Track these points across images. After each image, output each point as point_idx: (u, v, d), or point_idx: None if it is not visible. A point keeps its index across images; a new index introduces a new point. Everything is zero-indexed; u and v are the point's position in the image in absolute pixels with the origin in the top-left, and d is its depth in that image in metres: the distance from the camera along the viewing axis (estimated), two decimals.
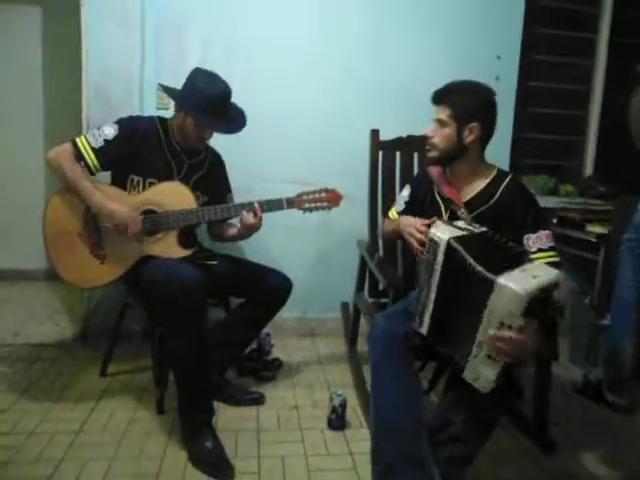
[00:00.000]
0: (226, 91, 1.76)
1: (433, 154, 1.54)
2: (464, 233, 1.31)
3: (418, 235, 1.47)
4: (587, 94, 2.82)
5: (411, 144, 2.15)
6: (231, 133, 1.82)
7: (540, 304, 1.16)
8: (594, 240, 2.15)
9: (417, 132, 2.07)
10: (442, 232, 1.29)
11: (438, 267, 1.27)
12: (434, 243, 1.28)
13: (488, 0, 2.48)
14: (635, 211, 1.90)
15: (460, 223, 1.41)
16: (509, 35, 2.54)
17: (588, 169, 2.84)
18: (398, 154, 2.19)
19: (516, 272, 1.18)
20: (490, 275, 1.15)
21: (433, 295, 1.29)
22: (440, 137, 1.51)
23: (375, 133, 2.17)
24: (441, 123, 1.50)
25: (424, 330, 1.33)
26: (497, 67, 2.52)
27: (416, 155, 2.19)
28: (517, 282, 1.13)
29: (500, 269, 1.17)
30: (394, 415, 1.30)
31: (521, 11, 2.53)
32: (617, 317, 1.99)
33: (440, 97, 1.51)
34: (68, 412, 1.77)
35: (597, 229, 2.16)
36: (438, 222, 1.41)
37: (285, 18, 2.37)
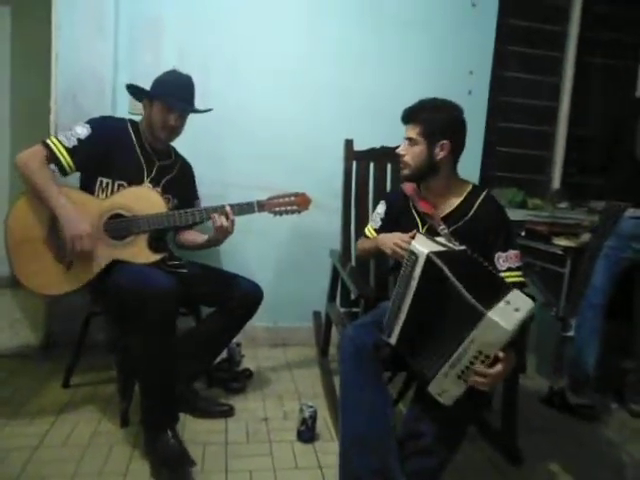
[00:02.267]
0: (183, 77, 1.80)
1: (406, 172, 1.56)
2: (444, 249, 1.31)
3: (399, 251, 1.43)
4: (555, 110, 2.90)
5: (385, 155, 2.16)
6: (194, 112, 1.84)
7: (518, 333, 1.18)
8: (560, 253, 2.20)
9: (391, 144, 2.10)
10: (422, 245, 1.28)
11: (414, 281, 1.26)
12: (413, 255, 1.27)
13: (462, 18, 2.55)
14: (621, 219, 1.97)
15: (440, 239, 1.41)
16: (481, 51, 2.60)
17: (555, 182, 2.92)
18: (372, 165, 2.21)
19: (502, 304, 1.18)
20: (480, 307, 1.14)
21: (406, 307, 1.29)
22: (411, 155, 1.52)
23: (349, 143, 2.18)
24: (411, 141, 1.52)
25: (393, 340, 1.33)
26: (469, 82, 2.58)
27: (389, 166, 2.21)
28: (504, 318, 1.13)
29: (486, 298, 1.16)
30: (362, 429, 1.29)
31: (493, 29, 2.60)
32: (584, 319, 2.07)
33: (410, 116, 1.53)
34: (26, 427, 1.70)
35: (563, 242, 2.21)
36: (419, 235, 1.41)
37: (263, 27, 2.37)
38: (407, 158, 1.53)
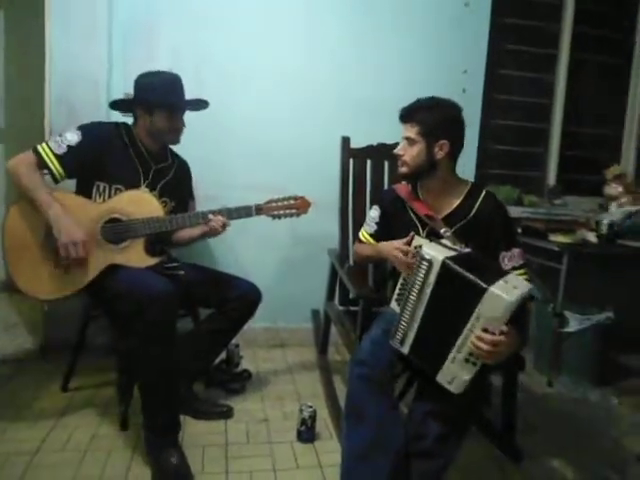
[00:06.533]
0: (174, 76, 1.79)
1: (404, 170, 1.53)
2: (455, 253, 1.28)
3: (402, 257, 1.39)
4: (549, 107, 2.91)
5: (382, 152, 2.16)
6: (201, 108, 1.87)
7: (518, 312, 1.19)
8: (557, 249, 2.21)
9: (388, 141, 2.10)
10: (434, 251, 1.25)
11: (429, 287, 1.24)
12: (426, 262, 1.24)
13: (455, 17, 2.56)
14: None
15: (445, 241, 1.38)
16: (475, 50, 2.61)
17: (551, 179, 2.93)
18: (369, 162, 2.21)
19: (501, 282, 1.20)
20: (482, 283, 1.17)
21: (420, 314, 1.26)
22: (410, 155, 1.50)
23: (346, 140, 2.19)
24: (410, 141, 1.50)
25: (406, 349, 1.30)
26: (464, 81, 2.59)
27: (387, 163, 2.21)
28: (505, 291, 1.16)
29: (489, 280, 1.19)
30: (370, 442, 1.28)
31: (486, 27, 2.61)
32: None
33: (408, 115, 1.51)
34: (26, 431, 1.69)
35: (560, 238, 2.22)
36: (420, 239, 1.40)
37: (258, 28, 2.37)
38: (406, 158, 1.51)
